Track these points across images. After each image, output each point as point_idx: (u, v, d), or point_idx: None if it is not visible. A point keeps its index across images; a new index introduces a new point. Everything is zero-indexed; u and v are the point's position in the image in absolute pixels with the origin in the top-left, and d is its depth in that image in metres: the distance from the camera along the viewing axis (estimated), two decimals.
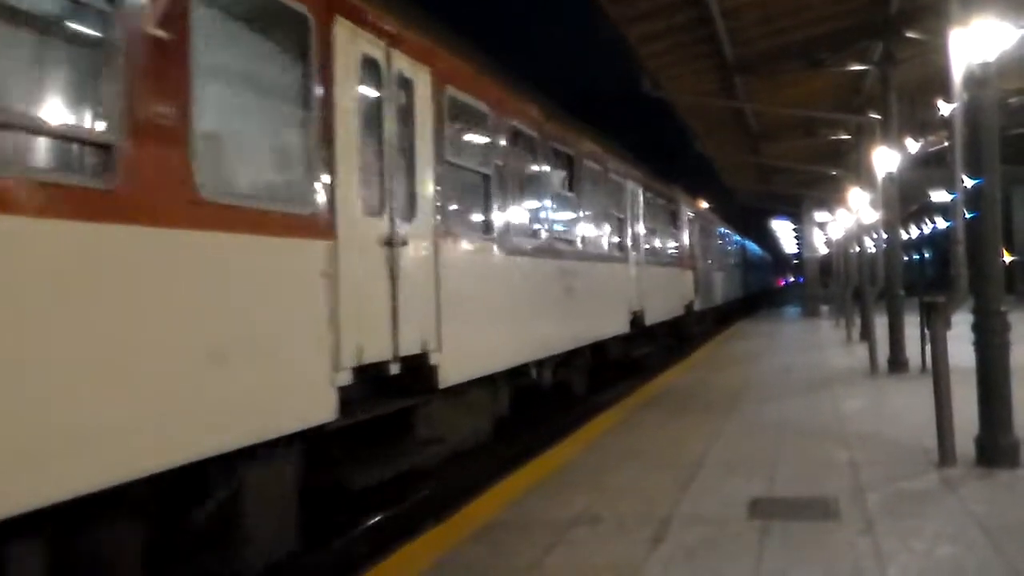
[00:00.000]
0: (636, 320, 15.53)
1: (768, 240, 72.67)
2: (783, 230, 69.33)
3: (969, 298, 7.32)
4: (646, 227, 17.08)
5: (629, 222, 15.73)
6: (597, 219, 13.55)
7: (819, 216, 37.98)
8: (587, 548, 5.52)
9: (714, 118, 21.16)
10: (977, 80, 7.12)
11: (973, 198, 7.32)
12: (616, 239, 14.75)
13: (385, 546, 5.88)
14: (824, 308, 35.82)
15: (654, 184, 18.66)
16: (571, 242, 12.08)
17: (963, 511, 5.95)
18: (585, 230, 12.72)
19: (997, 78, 7.21)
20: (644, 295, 16.17)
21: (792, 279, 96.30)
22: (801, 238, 47.30)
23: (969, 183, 7.33)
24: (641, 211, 16.71)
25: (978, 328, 7.20)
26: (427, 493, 8.09)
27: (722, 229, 33.84)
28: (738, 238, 41.94)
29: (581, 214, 12.58)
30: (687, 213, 22.72)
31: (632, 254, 15.70)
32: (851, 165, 22.60)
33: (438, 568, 5.26)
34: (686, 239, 22.28)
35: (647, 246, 17.20)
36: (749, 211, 50.38)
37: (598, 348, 13.50)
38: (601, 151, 13.95)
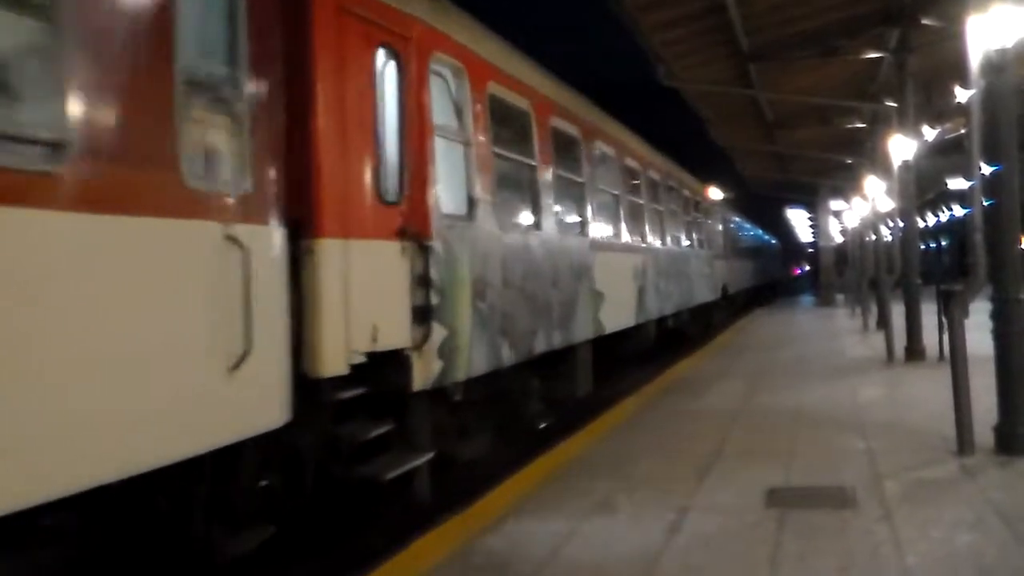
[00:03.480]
0: None
1: (782, 227, 72.29)
2: (798, 219, 69.01)
3: (987, 286, 7.29)
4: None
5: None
6: None
7: (835, 205, 37.76)
8: (605, 538, 5.55)
9: (729, 107, 21.04)
10: (995, 66, 7.07)
11: (991, 185, 7.28)
12: None
13: (402, 537, 5.91)
14: (839, 297, 35.65)
15: None
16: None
17: (982, 499, 5.94)
18: None
19: (1015, 64, 7.17)
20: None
21: (808, 268, 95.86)
22: (816, 227, 47.07)
23: (987, 170, 7.30)
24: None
25: (996, 316, 7.18)
26: (445, 484, 8.13)
27: (670, 181, 18.56)
28: (698, 198, 22.62)
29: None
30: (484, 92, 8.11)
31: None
32: (867, 153, 22.45)
33: (455, 559, 5.29)
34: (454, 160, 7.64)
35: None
36: (759, 197, 49.33)
37: None
38: None
